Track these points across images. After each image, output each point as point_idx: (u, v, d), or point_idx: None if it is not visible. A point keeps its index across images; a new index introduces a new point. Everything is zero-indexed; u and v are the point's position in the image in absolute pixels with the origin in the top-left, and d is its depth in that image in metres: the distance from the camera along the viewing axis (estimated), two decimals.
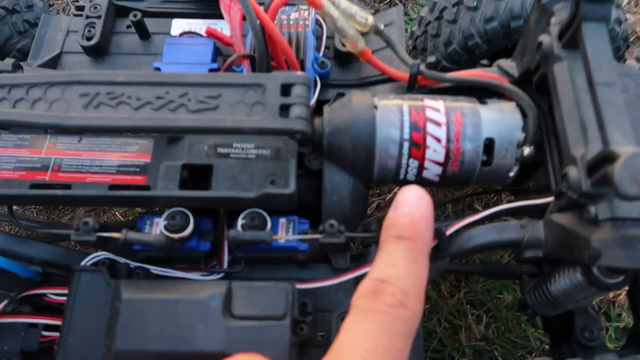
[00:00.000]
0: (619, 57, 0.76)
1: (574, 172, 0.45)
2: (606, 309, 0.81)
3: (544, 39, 0.52)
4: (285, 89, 0.50)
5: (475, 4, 0.70)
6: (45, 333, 0.52)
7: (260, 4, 0.58)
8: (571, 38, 0.48)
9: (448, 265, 0.67)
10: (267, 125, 0.48)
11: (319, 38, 0.69)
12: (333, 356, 0.33)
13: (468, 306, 0.79)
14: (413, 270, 0.37)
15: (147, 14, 0.72)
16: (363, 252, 0.58)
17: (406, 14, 1.07)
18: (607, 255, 0.41)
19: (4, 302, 0.49)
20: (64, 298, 0.52)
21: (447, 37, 0.74)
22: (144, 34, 0.70)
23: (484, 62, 0.82)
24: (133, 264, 0.55)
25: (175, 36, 0.69)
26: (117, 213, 0.89)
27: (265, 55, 0.56)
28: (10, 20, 0.77)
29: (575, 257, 0.45)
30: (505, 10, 0.68)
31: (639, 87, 0.51)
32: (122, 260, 0.55)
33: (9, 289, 0.51)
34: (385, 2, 1.09)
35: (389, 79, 0.66)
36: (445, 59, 0.75)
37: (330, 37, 0.70)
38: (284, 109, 0.49)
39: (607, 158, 0.40)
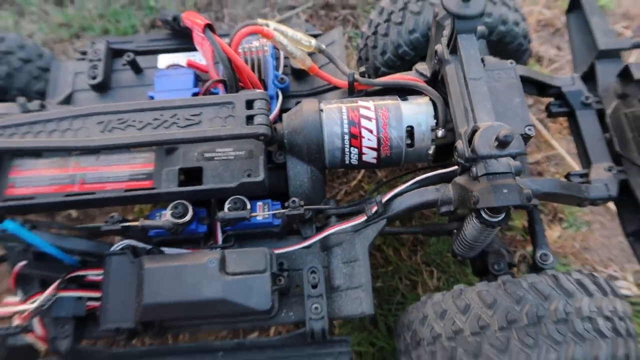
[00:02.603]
0: (524, 50, 0.93)
1: (460, 145, 0.62)
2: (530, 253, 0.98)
3: (438, 47, 0.69)
4: (249, 104, 0.67)
5: (400, 20, 0.88)
6: (89, 303, 0.68)
7: (226, 34, 0.75)
8: (453, 46, 0.66)
9: (399, 228, 0.84)
10: (238, 132, 0.65)
11: (278, 59, 0.86)
12: None
13: (423, 265, 0.96)
14: None
15: (137, 52, 0.89)
16: (325, 223, 0.75)
17: (358, 27, 1.25)
18: (483, 200, 0.59)
19: (57, 281, 0.66)
20: (100, 277, 0.69)
21: (382, 48, 0.91)
22: (137, 69, 0.87)
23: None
24: (149, 247, 0.71)
25: (162, 69, 0.86)
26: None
27: (233, 79, 0.74)
28: (26, 68, 0.94)
29: (469, 206, 0.63)
30: (423, 23, 0.86)
31: (509, 77, 0.68)
32: (140, 245, 0.72)
33: (58, 272, 0.68)
34: (339, 18, 1.27)
35: (335, 87, 0.83)
36: (383, 65, 0.93)
37: (287, 58, 0.87)
38: (250, 119, 0.66)
39: (474, 131, 0.58)
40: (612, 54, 0.80)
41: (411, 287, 0.96)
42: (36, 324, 0.67)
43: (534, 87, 0.80)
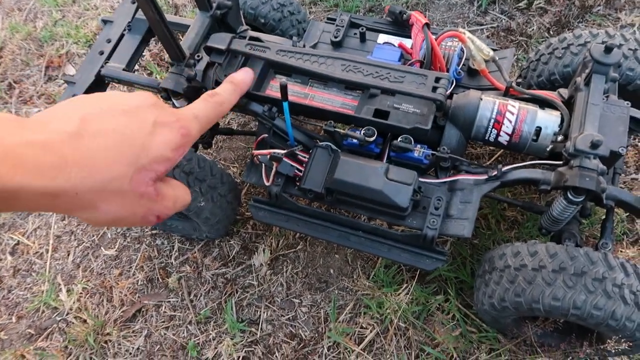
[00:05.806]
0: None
1: (569, 143, 0.91)
2: None
3: (578, 79, 0.98)
4: (437, 80, 1.02)
5: (561, 55, 1.16)
6: (296, 170, 1.09)
7: (434, 33, 1.10)
8: (588, 80, 0.94)
9: (506, 197, 1.14)
10: (425, 94, 1.00)
11: (461, 58, 1.20)
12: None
13: (514, 239, 1.24)
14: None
15: (367, 28, 1.28)
16: (455, 172, 1.08)
17: (527, 52, 1.53)
18: (570, 180, 0.88)
19: (287, 150, 1.08)
20: (306, 158, 1.09)
21: (539, 72, 1.20)
22: (363, 39, 1.26)
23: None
24: (339, 150, 1.10)
25: (380, 43, 1.24)
26: None
27: (430, 62, 1.09)
28: (290, 18, 1.38)
29: (560, 185, 0.92)
30: (577, 62, 1.13)
31: (621, 112, 0.94)
32: (334, 147, 1.11)
33: (283, 147, 1.10)
34: (514, 42, 1.56)
35: (495, 88, 1.15)
36: (535, 84, 1.22)
37: (467, 59, 1.20)
38: (434, 89, 1.01)
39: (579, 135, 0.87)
40: None
41: None
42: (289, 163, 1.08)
43: None
